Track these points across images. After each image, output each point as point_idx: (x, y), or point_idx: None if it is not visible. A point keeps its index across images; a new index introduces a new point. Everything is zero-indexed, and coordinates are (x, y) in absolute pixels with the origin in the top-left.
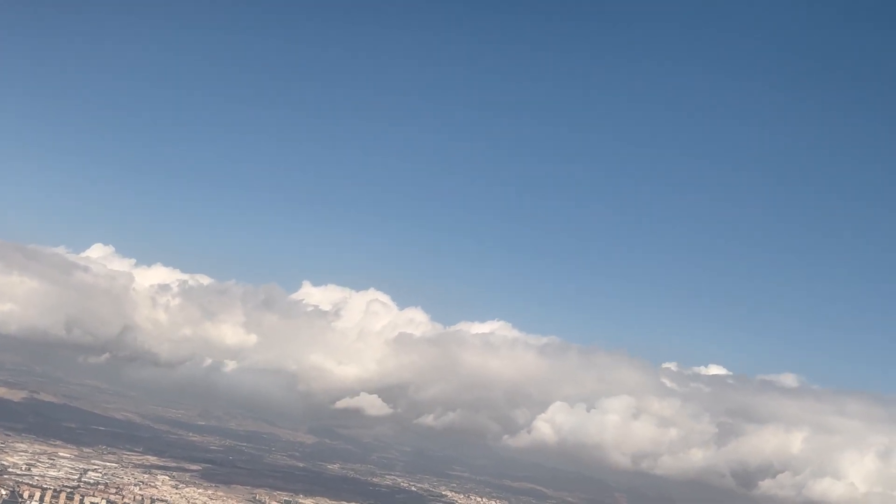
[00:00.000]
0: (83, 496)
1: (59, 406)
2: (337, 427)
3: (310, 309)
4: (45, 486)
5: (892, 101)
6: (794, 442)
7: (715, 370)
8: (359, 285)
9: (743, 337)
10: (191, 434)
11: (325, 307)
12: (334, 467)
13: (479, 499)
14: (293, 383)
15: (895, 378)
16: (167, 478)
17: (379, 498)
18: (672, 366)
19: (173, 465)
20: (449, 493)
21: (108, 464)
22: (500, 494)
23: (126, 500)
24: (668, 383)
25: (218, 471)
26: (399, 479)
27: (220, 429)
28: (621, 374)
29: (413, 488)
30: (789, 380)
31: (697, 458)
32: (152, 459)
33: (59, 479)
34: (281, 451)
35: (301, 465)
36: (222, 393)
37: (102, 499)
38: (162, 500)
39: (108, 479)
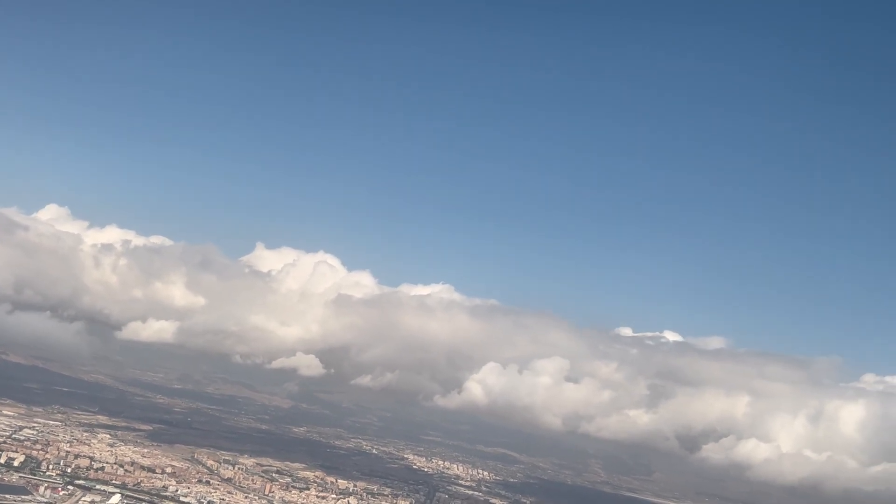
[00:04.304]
0: (1, 451)
1: (27, 367)
2: (318, 392)
3: (247, 270)
4: None
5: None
6: (738, 406)
7: (669, 335)
8: (312, 248)
9: (688, 301)
10: (159, 396)
11: (265, 268)
12: (300, 430)
13: (440, 461)
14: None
15: (810, 340)
16: (107, 436)
17: (333, 459)
18: (625, 330)
19: (123, 424)
20: (411, 456)
21: (50, 422)
22: (467, 459)
23: (48, 456)
24: (601, 346)
25: (168, 431)
26: (363, 442)
27: (194, 392)
28: (555, 337)
29: (374, 451)
30: (716, 343)
31: (643, 421)
32: (103, 419)
33: None
34: (249, 415)
35: (264, 427)
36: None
37: (23, 454)
38: (87, 457)
39: (43, 436)
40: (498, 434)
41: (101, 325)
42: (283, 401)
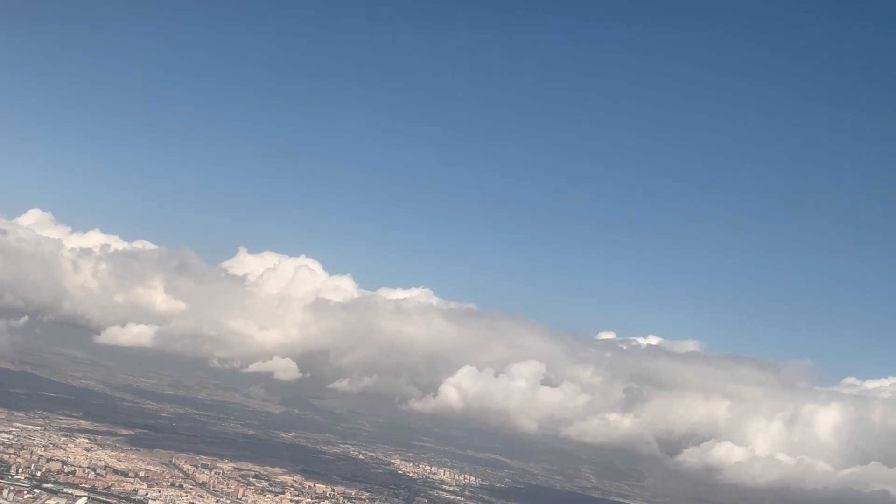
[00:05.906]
0: None
1: (15, 373)
2: (310, 398)
3: (223, 275)
4: None
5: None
6: (718, 410)
7: (652, 339)
8: (294, 252)
9: (671, 305)
10: (147, 402)
11: (247, 273)
12: (288, 436)
13: (427, 467)
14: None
15: (796, 344)
16: (86, 441)
17: (315, 464)
18: (607, 335)
19: (104, 429)
20: (397, 461)
21: (30, 427)
22: (456, 464)
23: (20, 460)
24: (578, 350)
25: (149, 436)
26: (351, 448)
27: (185, 398)
28: (532, 340)
29: (360, 456)
30: (690, 346)
31: (624, 425)
32: (85, 424)
33: None
34: (238, 420)
35: (251, 433)
36: None
37: None
38: (60, 461)
39: (18, 440)
40: (492, 440)
41: (81, 329)
42: (275, 406)
